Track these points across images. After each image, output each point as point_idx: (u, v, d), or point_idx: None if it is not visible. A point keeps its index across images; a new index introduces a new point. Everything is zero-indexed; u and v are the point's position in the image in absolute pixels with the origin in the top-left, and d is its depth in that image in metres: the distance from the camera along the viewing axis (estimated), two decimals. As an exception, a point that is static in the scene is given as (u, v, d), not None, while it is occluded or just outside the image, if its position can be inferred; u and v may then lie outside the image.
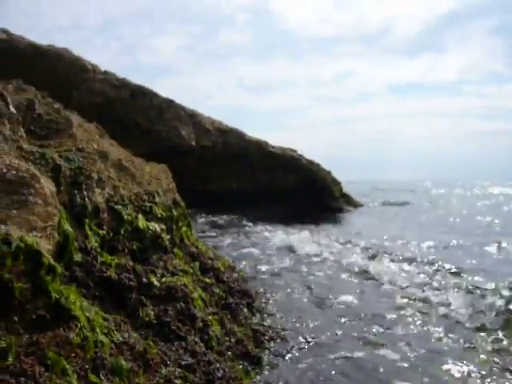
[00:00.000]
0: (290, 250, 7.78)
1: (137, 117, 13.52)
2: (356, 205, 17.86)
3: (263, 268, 6.25)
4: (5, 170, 1.71)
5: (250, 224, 11.54)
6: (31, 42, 12.69)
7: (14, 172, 1.71)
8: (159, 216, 2.95)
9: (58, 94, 12.80)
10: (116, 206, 2.66)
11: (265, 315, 3.77)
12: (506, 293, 4.79)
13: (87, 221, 2.35)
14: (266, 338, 3.27)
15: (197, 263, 3.44)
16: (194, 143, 14.09)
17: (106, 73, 13.73)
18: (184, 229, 3.56)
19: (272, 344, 3.26)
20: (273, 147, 15.99)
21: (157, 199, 3.01)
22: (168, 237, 2.95)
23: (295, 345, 3.36)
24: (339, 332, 3.71)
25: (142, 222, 2.77)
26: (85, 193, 2.41)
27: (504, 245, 8.50)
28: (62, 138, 2.80)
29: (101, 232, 2.44)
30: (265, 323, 3.56)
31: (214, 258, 3.94)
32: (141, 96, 13.63)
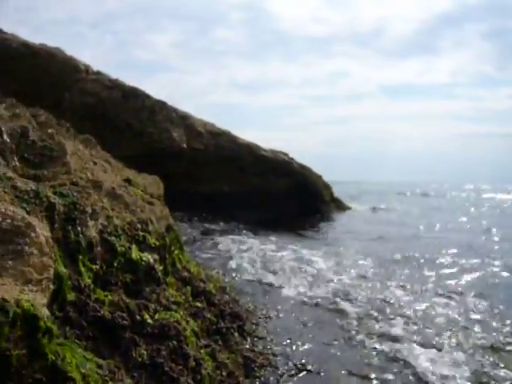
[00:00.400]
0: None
1: (128, 118, 13.44)
2: (345, 209, 17.93)
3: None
4: (0, 219, 1.70)
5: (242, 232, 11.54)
6: (24, 41, 12.56)
7: (9, 221, 1.70)
8: (152, 246, 2.95)
9: (50, 94, 12.76)
10: (109, 238, 2.66)
11: (255, 339, 3.78)
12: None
13: (81, 257, 2.34)
14: (257, 365, 3.29)
15: (189, 288, 3.44)
16: (185, 145, 14.05)
17: (98, 73, 13.64)
18: (176, 252, 3.56)
19: (262, 372, 3.28)
20: (265, 151, 15.99)
21: (150, 227, 3.01)
22: (161, 267, 2.95)
23: (285, 372, 3.38)
24: (330, 357, 3.74)
25: (135, 253, 2.77)
26: (78, 228, 2.40)
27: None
28: (56, 166, 2.78)
29: (94, 267, 2.43)
30: (255, 348, 3.57)
31: (206, 279, 3.94)
32: (133, 97, 13.56)
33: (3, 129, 2.66)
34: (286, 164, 16.17)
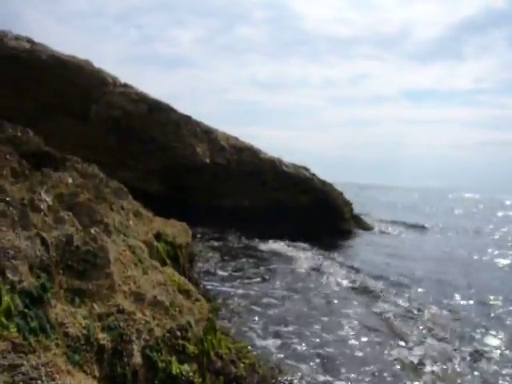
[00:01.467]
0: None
1: (153, 132, 13.49)
2: (366, 227, 17.78)
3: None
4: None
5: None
6: (53, 53, 12.63)
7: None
8: (191, 355, 2.95)
9: (77, 106, 12.84)
10: (151, 354, 2.66)
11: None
12: None
13: (126, 388, 2.35)
14: None
15: (221, 378, 3.44)
16: (208, 160, 14.07)
17: (125, 86, 13.68)
18: (209, 337, 3.56)
19: None
20: (286, 166, 15.95)
21: (189, 333, 3.01)
22: (200, 380, 2.95)
23: None
24: None
25: (175, 367, 2.77)
26: (125, 359, 2.40)
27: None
28: (99, 277, 2.78)
29: (137, 394, 2.43)
30: None
31: (236, 357, 3.93)
32: (158, 111, 13.59)
33: (49, 242, 2.67)
34: (307, 180, 16.12)
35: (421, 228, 19.44)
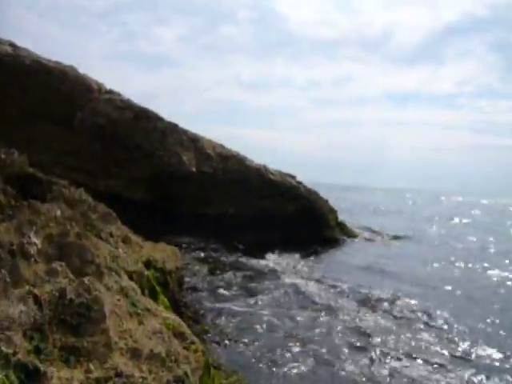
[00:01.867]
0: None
1: (139, 140, 13.33)
2: (350, 235, 17.82)
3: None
4: None
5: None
6: (37, 58, 12.38)
7: None
8: (189, 410, 2.89)
9: (61, 113, 12.61)
10: (147, 412, 2.58)
11: None
12: None
13: None
14: None
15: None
16: (194, 169, 13.95)
17: (111, 92, 13.48)
18: (204, 379, 3.48)
19: None
20: (273, 174, 15.90)
21: (186, 384, 2.94)
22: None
23: None
24: None
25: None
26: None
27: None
28: (94, 333, 2.69)
29: None
30: None
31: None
32: (144, 119, 13.43)
33: (41, 298, 2.57)
34: (293, 188, 16.09)
35: (407, 237, 19.48)
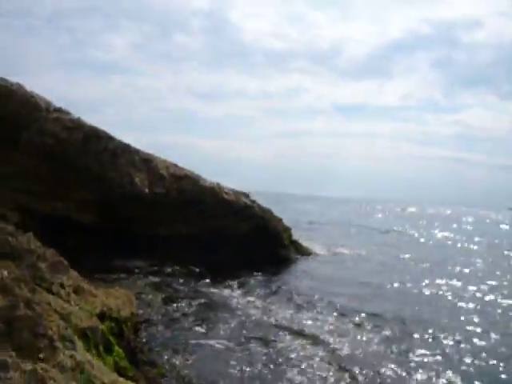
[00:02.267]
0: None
1: (88, 160, 12.88)
2: (305, 253, 17.90)
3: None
4: None
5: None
6: (-21, 76, 11.77)
7: None
8: None
9: (7, 133, 12.03)
10: None
11: None
12: None
13: None
14: None
15: None
16: (147, 190, 13.62)
17: (59, 111, 12.98)
18: None
19: None
20: (227, 193, 15.75)
21: None
22: None
23: None
24: None
25: None
26: None
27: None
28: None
29: None
30: None
31: None
32: (94, 139, 13.01)
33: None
34: (247, 207, 15.99)
35: (361, 255, 19.74)
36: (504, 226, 54.42)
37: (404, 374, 7.20)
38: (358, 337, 8.76)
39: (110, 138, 13.16)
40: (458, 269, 17.99)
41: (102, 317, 4.93)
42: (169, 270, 12.95)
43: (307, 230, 26.27)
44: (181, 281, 11.95)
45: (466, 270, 17.74)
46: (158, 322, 8.63)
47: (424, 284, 14.30)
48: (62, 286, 4.80)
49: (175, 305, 9.76)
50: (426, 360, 7.84)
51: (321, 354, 7.69)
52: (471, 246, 27.63)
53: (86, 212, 13.12)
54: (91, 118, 13.72)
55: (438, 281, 14.95)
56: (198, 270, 13.20)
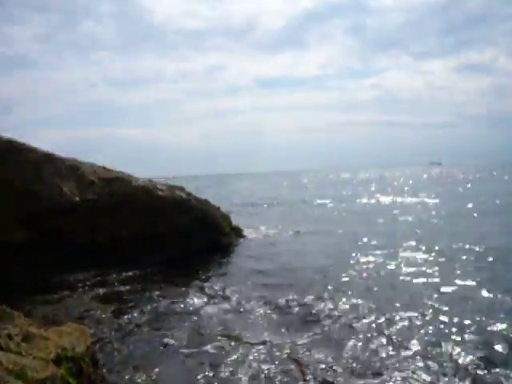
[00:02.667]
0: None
1: (9, 175, 12.11)
2: (245, 237, 18.07)
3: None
4: None
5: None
6: None
7: None
8: None
9: None
10: None
11: None
12: None
13: None
14: None
15: None
16: (77, 199, 13.05)
17: (-31, 127, 12.02)
18: None
19: None
20: (161, 190, 15.44)
21: None
22: None
23: None
24: None
25: None
26: None
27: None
28: None
29: None
30: None
31: None
32: (13, 152, 12.22)
33: None
34: (184, 201, 15.79)
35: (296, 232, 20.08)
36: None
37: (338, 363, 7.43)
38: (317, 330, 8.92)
39: (30, 150, 12.41)
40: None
41: (58, 361, 4.68)
42: (114, 277, 12.55)
43: (245, 212, 26.41)
44: (128, 288, 11.63)
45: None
46: (112, 339, 8.36)
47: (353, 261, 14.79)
48: (9, 337, 4.50)
49: (127, 316, 9.48)
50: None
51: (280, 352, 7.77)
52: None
53: (15, 231, 12.37)
54: (2, 122, 12.86)
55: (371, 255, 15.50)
56: (144, 272, 12.91)
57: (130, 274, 12.81)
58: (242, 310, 9.75)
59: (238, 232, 17.79)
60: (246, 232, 18.31)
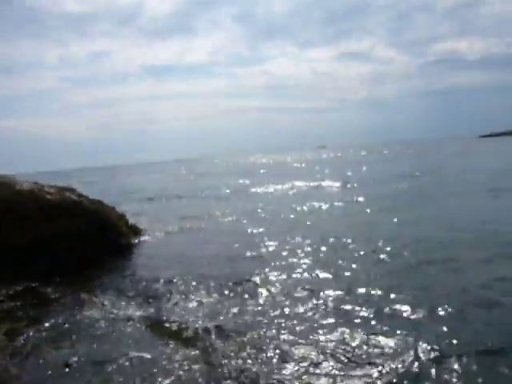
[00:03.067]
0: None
1: None
2: (142, 234, 17.55)
3: None
4: None
5: None
6: None
7: None
8: None
9: None
10: None
11: None
12: None
13: None
14: None
15: None
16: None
17: None
18: None
19: None
20: (49, 193, 14.46)
21: None
22: None
23: None
24: None
25: None
26: None
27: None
28: None
29: None
30: None
31: None
32: None
33: None
34: (75, 204, 14.91)
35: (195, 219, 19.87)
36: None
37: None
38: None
39: None
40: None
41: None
42: (2, 293, 11.51)
43: (140, 209, 25.68)
44: (20, 303, 10.72)
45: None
46: (9, 365, 7.66)
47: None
48: None
49: (22, 337, 8.71)
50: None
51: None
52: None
53: None
54: None
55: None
56: (36, 284, 11.99)
57: (20, 287, 11.81)
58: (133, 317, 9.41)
59: (136, 231, 17.21)
60: (145, 230, 17.77)
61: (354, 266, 11.53)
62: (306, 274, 11.17)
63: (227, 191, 34.73)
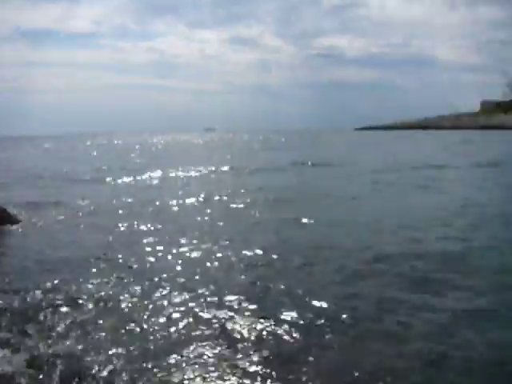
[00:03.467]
0: None
1: None
2: (16, 221, 14.22)
3: None
4: None
5: None
6: None
7: None
8: None
9: None
10: None
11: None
12: None
13: None
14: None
15: None
16: None
17: None
18: None
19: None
20: None
21: None
22: None
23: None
24: None
25: None
26: None
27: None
28: None
29: None
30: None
31: None
32: None
33: None
34: None
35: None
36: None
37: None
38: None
39: None
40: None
41: None
42: None
43: (20, 190, 21.70)
44: None
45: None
46: None
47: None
48: None
49: None
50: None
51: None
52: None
53: None
54: None
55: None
56: None
57: None
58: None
59: (9, 219, 13.93)
60: (21, 216, 14.50)
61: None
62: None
63: (128, 179, 31.16)
